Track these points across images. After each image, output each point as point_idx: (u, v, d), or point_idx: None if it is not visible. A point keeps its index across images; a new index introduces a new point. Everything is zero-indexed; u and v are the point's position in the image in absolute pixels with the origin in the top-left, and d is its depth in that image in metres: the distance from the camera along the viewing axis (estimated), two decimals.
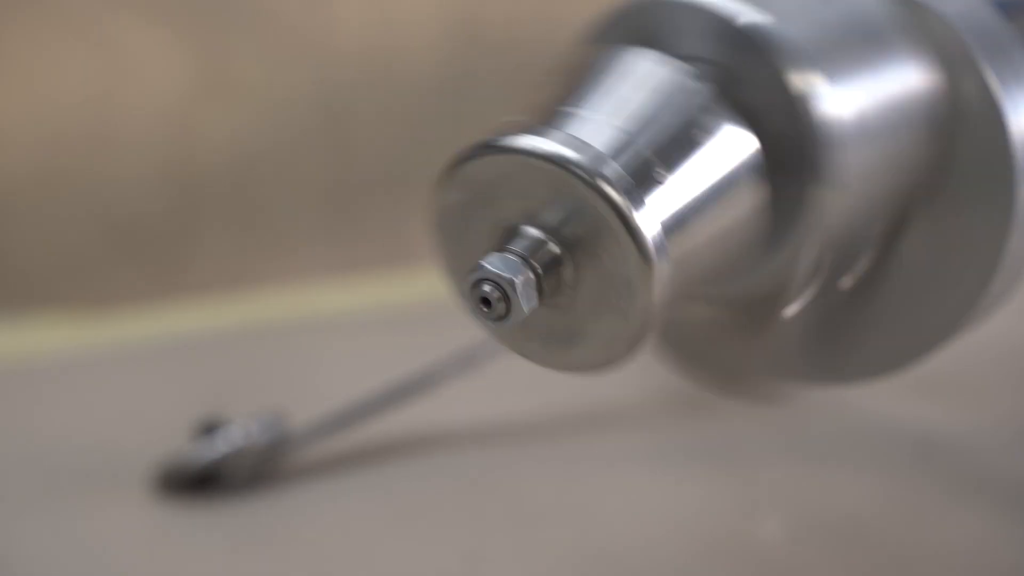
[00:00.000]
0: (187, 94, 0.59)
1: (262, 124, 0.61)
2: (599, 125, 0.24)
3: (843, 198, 0.26)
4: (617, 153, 0.23)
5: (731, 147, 0.25)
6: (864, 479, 0.38)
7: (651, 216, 0.23)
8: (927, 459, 0.39)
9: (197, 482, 0.38)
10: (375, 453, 0.41)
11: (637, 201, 0.23)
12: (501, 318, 0.23)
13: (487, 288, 0.23)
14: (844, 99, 0.25)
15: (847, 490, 0.38)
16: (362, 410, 0.41)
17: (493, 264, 0.23)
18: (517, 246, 0.24)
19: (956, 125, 0.28)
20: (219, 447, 0.39)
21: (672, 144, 0.24)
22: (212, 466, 0.38)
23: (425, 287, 0.53)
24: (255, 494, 0.39)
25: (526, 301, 0.23)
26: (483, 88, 0.64)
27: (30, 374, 0.48)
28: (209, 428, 0.39)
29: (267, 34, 0.60)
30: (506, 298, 0.23)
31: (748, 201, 0.25)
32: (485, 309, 0.23)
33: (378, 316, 0.53)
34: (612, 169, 0.23)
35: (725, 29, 0.25)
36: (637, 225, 0.23)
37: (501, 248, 0.24)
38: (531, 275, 0.23)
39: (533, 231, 0.24)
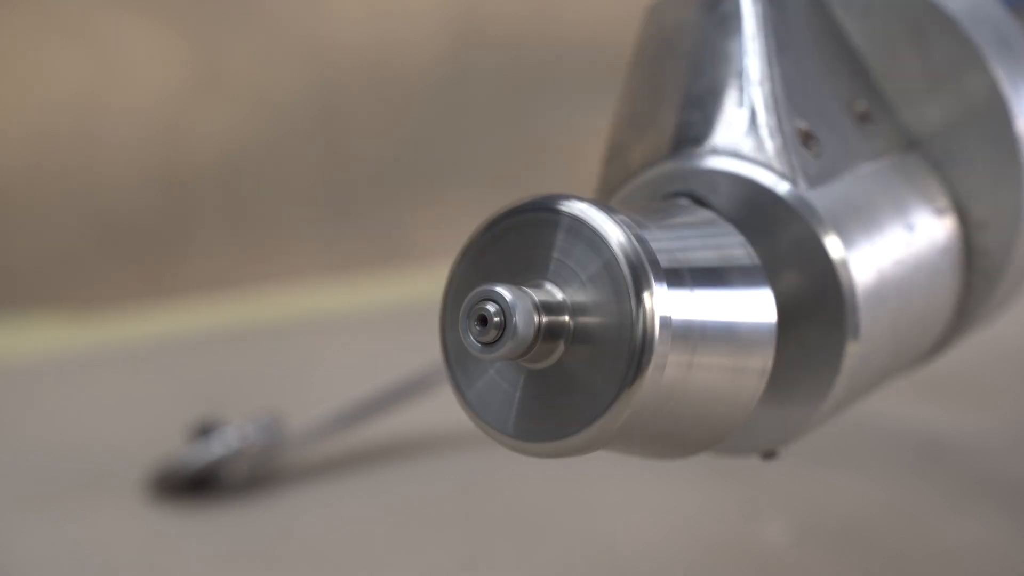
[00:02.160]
0: (180, 91, 0.59)
1: (256, 121, 0.61)
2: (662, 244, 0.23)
3: (863, 351, 0.26)
4: (669, 276, 0.23)
5: (759, 309, 0.25)
6: (867, 481, 0.38)
7: (665, 340, 0.22)
8: (931, 461, 0.39)
9: (192, 485, 0.38)
10: (373, 455, 0.40)
11: (666, 321, 0.22)
12: (490, 344, 0.22)
13: (490, 308, 0.22)
14: (867, 260, 0.26)
15: (850, 493, 0.37)
16: (359, 412, 0.41)
17: (506, 290, 0.22)
18: (537, 294, 0.23)
19: (975, 264, 0.29)
20: (215, 449, 0.38)
21: (706, 278, 0.24)
22: (208, 468, 0.38)
23: (422, 286, 0.53)
24: (251, 497, 0.38)
25: (523, 331, 0.22)
26: (479, 85, 0.64)
27: (21, 375, 0.48)
28: (204, 430, 0.39)
29: (261, 30, 0.60)
30: (504, 327, 0.22)
31: (758, 358, 0.25)
32: (478, 328, 0.22)
33: (375, 316, 0.53)
34: (660, 287, 0.23)
35: (766, 198, 0.26)
36: (654, 343, 0.22)
37: (520, 284, 0.23)
38: (536, 316, 0.22)
39: (558, 293, 0.23)
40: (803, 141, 0.27)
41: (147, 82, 0.59)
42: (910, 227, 0.28)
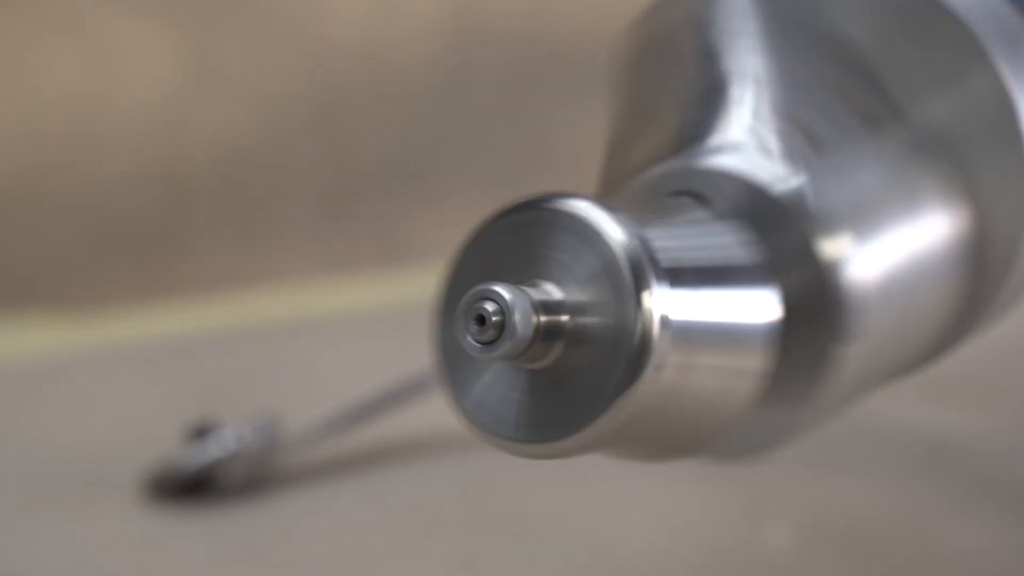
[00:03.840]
0: (177, 89, 0.59)
1: (254, 119, 0.60)
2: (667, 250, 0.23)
3: (862, 353, 0.26)
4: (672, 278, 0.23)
5: (760, 310, 0.25)
6: (871, 483, 0.38)
7: (666, 336, 0.22)
8: (936, 463, 0.39)
9: (189, 487, 0.38)
10: (371, 457, 0.40)
11: (666, 322, 0.22)
12: (489, 343, 0.22)
13: (489, 307, 0.22)
14: (872, 259, 0.26)
15: (854, 495, 0.37)
16: (358, 413, 0.40)
17: (505, 289, 0.22)
18: (535, 293, 0.23)
19: (983, 262, 0.28)
20: (211, 451, 0.38)
21: (705, 277, 0.24)
22: (204, 471, 0.38)
23: (423, 287, 0.53)
24: (248, 499, 0.38)
25: (522, 331, 0.22)
26: (480, 82, 0.63)
27: (16, 376, 0.48)
28: (201, 431, 0.39)
29: (259, 27, 0.60)
30: (502, 326, 0.22)
31: (757, 360, 0.25)
32: (476, 327, 0.22)
33: (374, 316, 0.53)
34: (661, 287, 0.22)
35: (765, 197, 0.25)
36: (653, 340, 0.22)
37: (517, 284, 0.23)
38: (534, 316, 0.22)
39: (557, 293, 0.23)
40: (806, 139, 0.26)
41: (145, 80, 0.58)
42: (916, 223, 0.27)
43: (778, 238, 0.25)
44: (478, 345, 0.22)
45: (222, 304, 0.55)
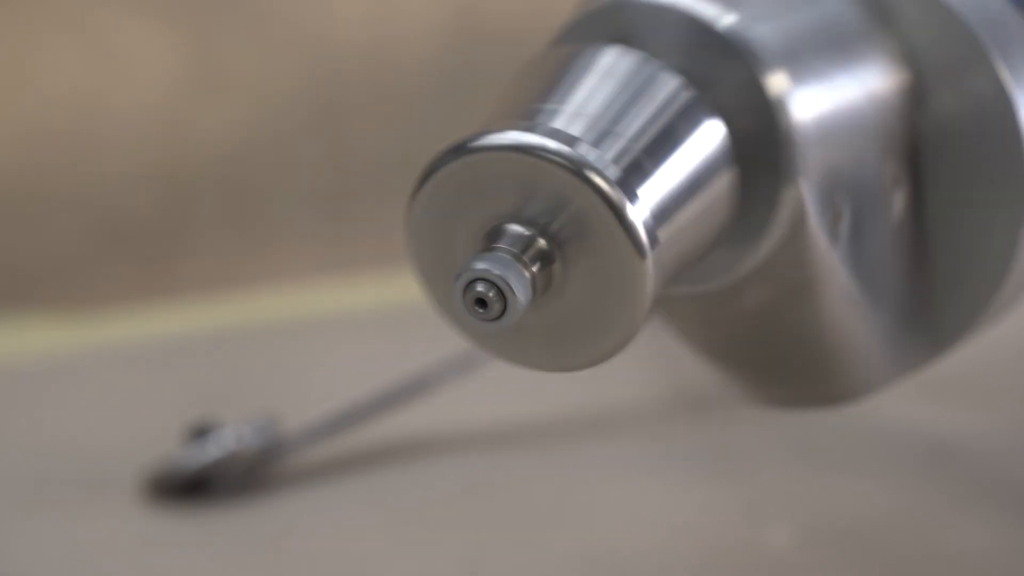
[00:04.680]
0: (178, 87, 0.59)
1: (255, 119, 0.60)
2: (580, 118, 0.24)
3: (808, 189, 0.26)
4: (602, 145, 0.23)
5: (706, 137, 0.25)
6: (872, 484, 0.38)
7: (642, 208, 0.23)
8: (937, 464, 0.39)
9: (188, 487, 0.38)
10: (371, 458, 0.40)
11: (630, 193, 0.23)
12: (498, 317, 0.23)
13: (481, 288, 0.23)
14: (810, 101, 0.26)
15: (854, 495, 0.37)
16: (358, 413, 0.40)
17: (485, 263, 0.23)
18: (505, 244, 0.23)
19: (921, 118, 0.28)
20: (211, 451, 0.38)
21: (654, 136, 0.24)
22: (203, 471, 0.38)
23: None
24: (247, 500, 0.38)
25: (523, 295, 0.23)
26: (482, 81, 0.63)
27: (14, 376, 0.48)
28: (200, 432, 0.39)
29: (260, 26, 0.60)
30: (502, 295, 0.23)
31: (721, 189, 0.25)
32: (480, 310, 0.23)
33: (375, 316, 0.52)
34: (600, 160, 0.23)
35: (702, 33, 0.26)
36: (631, 219, 0.23)
37: (488, 249, 0.23)
38: (524, 269, 0.23)
39: (519, 228, 0.23)
40: None
41: (146, 79, 0.58)
42: (852, 73, 0.27)
43: (722, 76, 0.25)
44: (487, 323, 0.23)
45: (222, 304, 0.55)
